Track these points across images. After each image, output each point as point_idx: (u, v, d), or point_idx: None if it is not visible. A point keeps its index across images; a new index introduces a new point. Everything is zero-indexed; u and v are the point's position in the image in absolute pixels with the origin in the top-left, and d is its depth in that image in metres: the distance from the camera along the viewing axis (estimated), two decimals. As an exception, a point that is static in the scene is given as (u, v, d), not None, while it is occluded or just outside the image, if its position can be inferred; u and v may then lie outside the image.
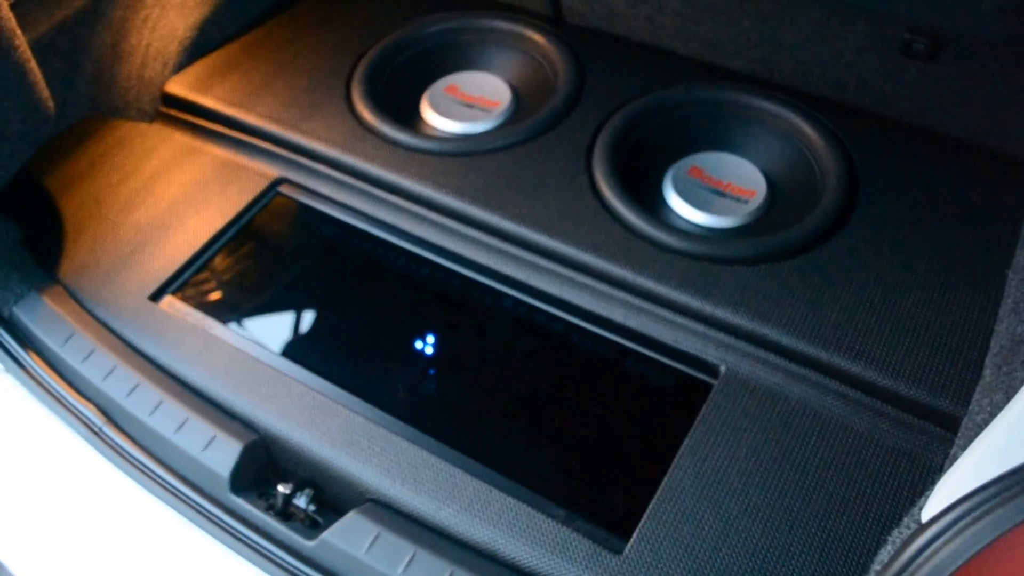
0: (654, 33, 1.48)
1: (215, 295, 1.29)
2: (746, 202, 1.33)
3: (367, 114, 1.42)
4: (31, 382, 1.21)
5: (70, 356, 1.22)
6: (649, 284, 1.21)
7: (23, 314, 1.27)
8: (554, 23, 1.56)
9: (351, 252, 1.34)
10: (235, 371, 1.19)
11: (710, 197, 1.34)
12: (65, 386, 1.21)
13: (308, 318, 1.27)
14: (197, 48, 1.54)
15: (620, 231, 1.27)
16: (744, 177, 1.36)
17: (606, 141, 1.36)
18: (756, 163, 1.38)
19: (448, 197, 1.32)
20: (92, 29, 1.52)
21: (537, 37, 1.53)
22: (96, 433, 1.17)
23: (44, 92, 1.32)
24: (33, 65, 1.31)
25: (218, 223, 1.35)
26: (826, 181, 1.31)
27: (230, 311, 1.27)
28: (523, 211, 1.29)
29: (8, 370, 1.23)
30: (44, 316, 1.26)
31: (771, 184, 1.36)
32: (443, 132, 1.46)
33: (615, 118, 1.39)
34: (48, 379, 1.21)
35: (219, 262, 1.33)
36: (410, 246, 1.32)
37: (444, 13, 1.59)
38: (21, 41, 1.29)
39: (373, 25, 1.60)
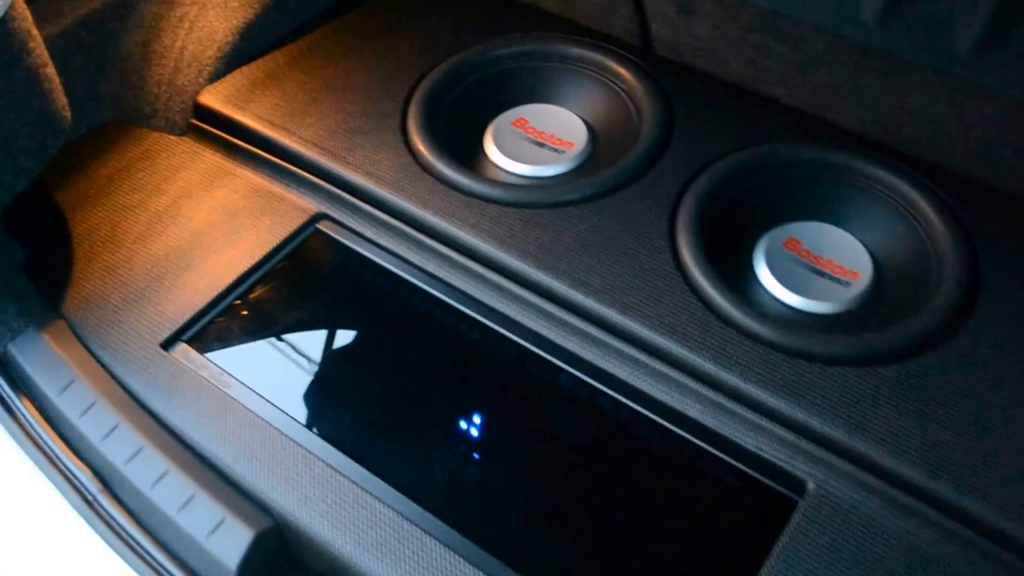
0: (756, 77, 1.34)
1: (236, 347, 1.18)
2: (848, 284, 1.20)
3: (423, 148, 1.30)
4: (21, 434, 1.11)
5: (68, 408, 1.12)
6: (732, 379, 1.09)
7: (19, 353, 1.16)
8: (642, 55, 1.43)
9: (395, 306, 1.22)
10: (252, 441, 1.08)
11: (807, 276, 1.21)
12: (59, 442, 1.11)
13: (340, 383, 1.16)
14: (237, 55, 1.43)
15: (703, 311, 1.14)
16: (847, 254, 1.23)
17: (693, 202, 1.23)
18: (862, 239, 1.25)
19: (508, 255, 1.20)
20: (122, 25, 1.42)
21: (621, 70, 1.40)
22: (89, 503, 1.07)
23: (60, 101, 1.21)
24: (49, 71, 1.20)
25: (245, 262, 1.24)
26: (943, 269, 1.17)
27: (252, 368, 1.16)
28: (592, 279, 1.17)
29: (4, 423, 1.12)
30: (42, 357, 1.16)
31: (877, 265, 1.23)
32: (507, 173, 1.34)
33: (705, 175, 1.26)
34: (41, 433, 1.11)
35: (243, 308, 1.22)
36: (461, 306, 1.20)
37: (517, 35, 1.47)
38: (37, 43, 1.18)
39: (437, 43, 1.48)
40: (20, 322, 1.18)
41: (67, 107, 1.25)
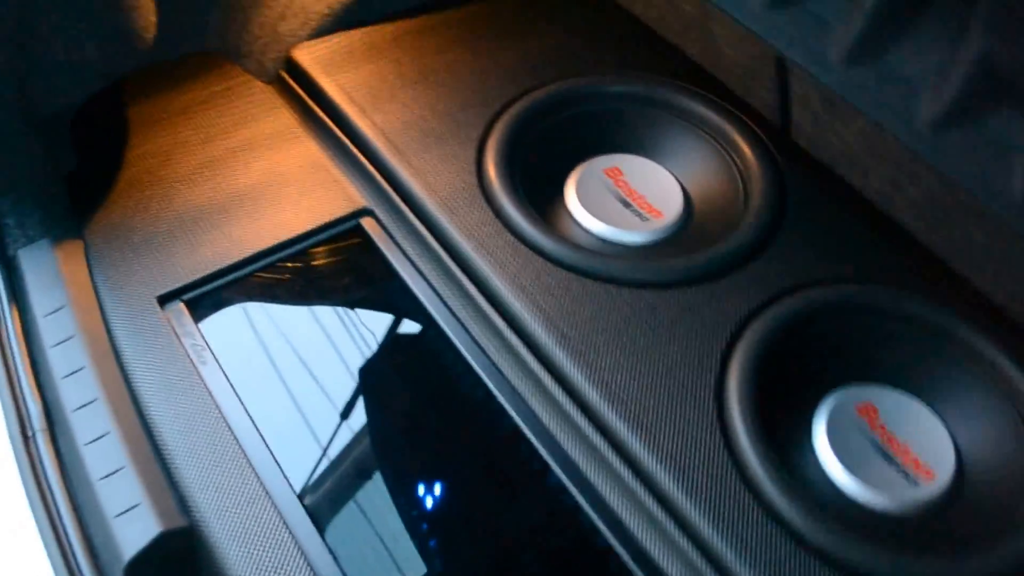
0: (894, 204, 1.21)
1: (229, 324, 1.16)
2: (919, 485, 1.04)
3: (492, 173, 1.24)
4: (-3, 349, 1.12)
5: (46, 332, 1.12)
6: None
7: (26, 262, 1.17)
8: (773, 134, 1.32)
9: (406, 335, 1.17)
10: (202, 432, 1.05)
11: (873, 458, 1.06)
12: (27, 365, 1.11)
13: (317, 403, 1.12)
14: (347, 16, 1.40)
15: (741, 489, 0.99)
16: (929, 447, 1.07)
17: (761, 336, 1.10)
18: (948, 426, 1.10)
19: (539, 325, 1.11)
20: (243, -44, 1.41)
21: (743, 144, 1.29)
22: (26, 438, 1.07)
23: (140, 21, 1.21)
24: None
25: (274, 237, 1.22)
26: None
27: (236, 353, 1.13)
28: (622, 389, 1.06)
29: (-20, 322, 1.14)
30: (44, 274, 1.16)
31: (960, 458, 1.08)
32: (578, 226, 1.26)
33: (788, 302, 1.13)
34: (14, 349, 1.12)
35: (253, 285, 1.19)
36: (471, 358, 1.13)
37: (640, 74, 1.38)
38: None
39: (554, 59, 1.40)
40: (39, 230, 1.19)
41: (150, 28, 1.24)
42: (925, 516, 1.03)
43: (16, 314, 1.15)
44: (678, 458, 1.02)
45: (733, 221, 1.24)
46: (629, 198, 1.28)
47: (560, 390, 1.08)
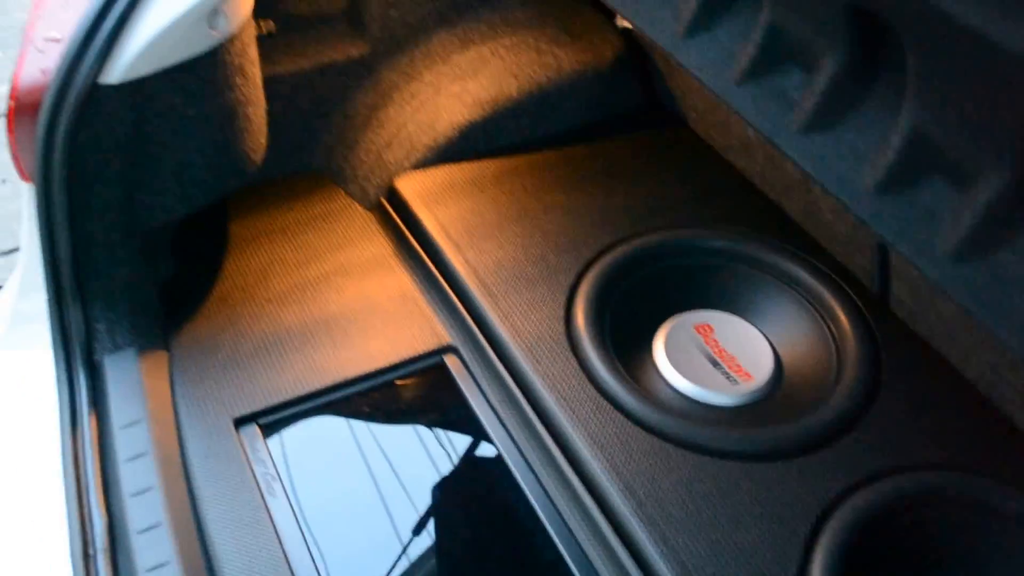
0: (997, 390, 1.14)
1: (305, 453, 1.14)
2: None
3: (580, 322, 1.21)
4: (70, 452, 1.11)
5: (121, 446, 1.11)
6: None
7: (110, 370, 1.18)
8: (872, 303, 1.27)
9: (483, 480, 1.14)
10: (265, 572, 1.03)
11: None
12: (98, 479, 1.10)
13: (394, 548, 1.08)
14: (451, 150, 1.41)
15: None
16: None
17: (848, 525, 1.03)
18: None
19: (617, 491, 1.06)
20: (358, 83, 1.43)
21: (840, 313, 1.24)
22: (87, 556, 1.05)
23: (250, 143, 1.23)
24: (252, 111, 1.22)
25: (358, 367, 1.20)
26: None
27: (309, 484, 1.11)
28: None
29: (61, 427, 1.14)
30: (127, 385, 1.17)
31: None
32: (666, 383, 1.22)
33: (878, 487, 1.06)
34: (88, 461, 1.11)
35: (333, 414, 1.18)
36: (543, 515, 1.08)
37: (733, 229, 1.35)
38: (248, 81, 1.20)
39: (645, 210, 1.38)
40: (127, 338, 1.20)
41: (258, 150, 1.26)
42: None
43: (94, 422, 1.15)
44: None
45: (825, 390, 1.19)
46: (719, 357, 1.24)
47: (633, 563, 1.03)
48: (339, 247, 1.35)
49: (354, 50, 1.42)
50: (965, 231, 0.90)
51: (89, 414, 1.16)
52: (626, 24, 1.55)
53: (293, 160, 1.42)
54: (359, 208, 1.40)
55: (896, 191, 0.93)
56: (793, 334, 1.28)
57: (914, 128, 0.90)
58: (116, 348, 1.20)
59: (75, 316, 1.18)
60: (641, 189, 1.41)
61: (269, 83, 1.35)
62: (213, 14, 1.11)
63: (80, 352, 1.18)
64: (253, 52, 1.22)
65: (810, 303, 1.28)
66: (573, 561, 1.05)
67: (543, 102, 1.44)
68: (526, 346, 1.19)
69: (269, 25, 1.34)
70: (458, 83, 1.42)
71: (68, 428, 1.14)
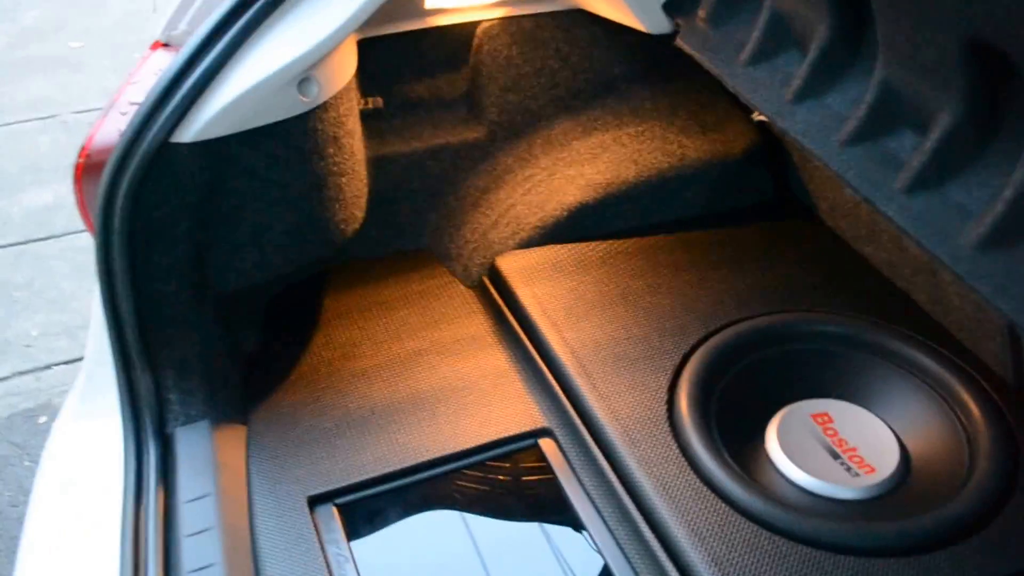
0: None
1: (381, 535, 1.04)
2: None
3: (684, 408, 1.09)
4: (130, 532, 1.05)
5: (185, 520, 1.04)
6: None
7: (182, 443, 1.11)
8: (1002, 390, 1.11)
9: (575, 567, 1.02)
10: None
11: None
12: (161, 555, 1.03)
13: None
14: (558, 231, 1.33)
15: None
16: None
17: None
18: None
19: None
20: (472, 165, 1.38)
21: (970, 402, 1.09)
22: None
23: (342, 213, 1.18)
24: (344, 181, 1.17)
25: (446, 445, 1.11)
26: None
27: (386, 569, 1.02)
28: None
29: (124, 500, 1.08)
30: (198, 458, 1.10)
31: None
32: (782, 476, 1.08)
33: None
34: (150, 538, 1.04)
35: (415, 496, 1.08)
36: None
37: (851, 314, 1.21)
38: (341, 149, 1.16)
39: (768, 294, 1.26)
40: (201, 410, 1.13)
41: (350, 222, 1.21)
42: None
43: (162, 497, 1.09)
44: None
45: (955, 485, 1.04)
46: (839, 448, 1.10)
47: None
48: (435, 324, 1.27)
49: (470, 134, 1.38)
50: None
51: (157, 488, 1.09)
52: (762, 117, 1.47)
53: (401, 239, 1.38)
54: (460, 286, 1.33)
55: (1003, 247, 0.81)
56: (920, 426, 1.13)
57: None
58: (189, 420, 1.13)
59: (145, 385, 1.13)
60: (759, 274, 1.30)
61: (379, 162, 1.32)
62: (304, 81, 1.08)
63: (151, 423, 1.13)
64: (352, 124, 1.19)
65: (938, 392, 1.13)
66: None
67: (662, 187, 1.36)
68: (624, 429, 1.08)
69: (377, 102, 1.31)
70: (574, 167, 1.35)
71: (132, 501, 1.08)
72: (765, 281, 1.28)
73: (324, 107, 1.11)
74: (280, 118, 1.07)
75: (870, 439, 1.11)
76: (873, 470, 1.08)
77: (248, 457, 1.11)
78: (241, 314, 1.20)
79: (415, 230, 1.40)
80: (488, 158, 1.39)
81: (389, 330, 1.27)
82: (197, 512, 1.05)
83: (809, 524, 0.98)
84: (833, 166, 0.93)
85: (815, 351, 1.19)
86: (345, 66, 1.15)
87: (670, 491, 1.01)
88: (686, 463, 1.04)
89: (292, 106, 1.07)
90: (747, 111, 1.50)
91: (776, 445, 1.10)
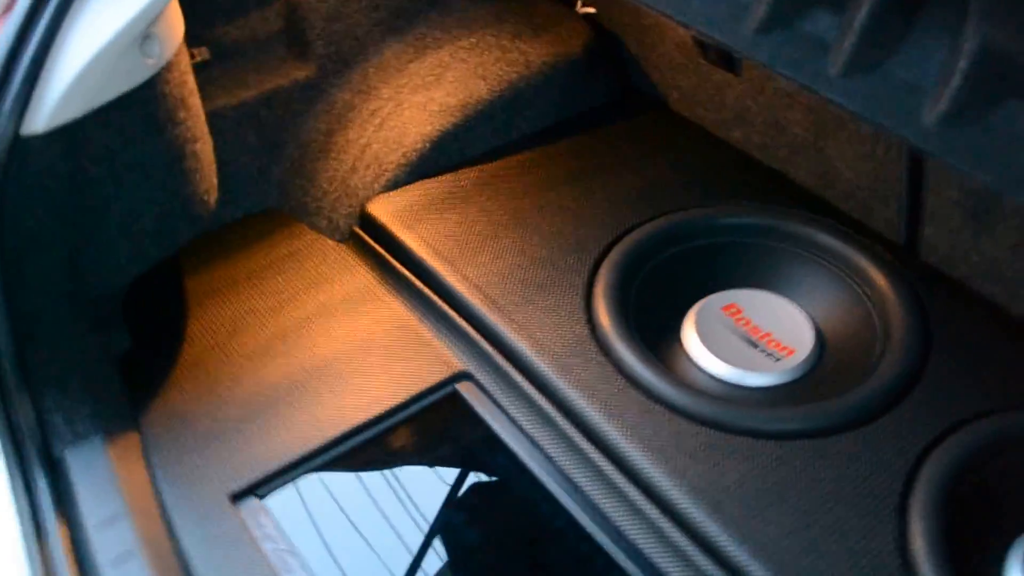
0: None
1: (317, 519, 0.96)
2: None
3: (607, 322, 1.05)
4: (39, 573, 0.92)
5: (101, 549, 0.91)
6: None
7: (74, 465, 0.98)
8: (900, 256, 1.14)
9: (521, 511, 0.97)
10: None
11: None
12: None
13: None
14: (425, 165, 1.25)
15: None
16: None
17: (937, 478, 0.91)
18: None
19: (702, 512, 0.90)
20: (308, 108, 1.27)
21: (874, 273, 1.11)
22: None
23: (202, 184, 1.06)
24: (200, 147, 1.05)
25: (361, 414, 1.03)
26: None
27: (328, 554, 0.93)
28: (787, 558, 0.86)
29: (24, 539, 0.95)
30: (97, 478, 0.97)
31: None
32: (704, 372, 1.07)
33: (956, 439, 0.94)
34: (60, 572, 0.92)
35: (341, 469, 1.00)
36: (605, 537, 0.92)
37: (749, 204, 1.20)
38: (191, 115, 1.03)
39: (644, 198, 1.23)
40: (89, 425, 1.00)
41: (211, 192, 1.09)
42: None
43: (64, 528, 0.96)
44: None
45: (874, 354, 1.05)
46: (755, 336, 1.09)
47: (719, 569, 0.87)
48: (315, 287, 1.17)
49: (299, 73, 1.26)
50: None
51: (57, 518, 0.96)
52: (588, 10, 1.42)
53: (247, 201, 1.26)
54: (329, 242, 1.23)
55: (968, 119, 0.80)
56: (827, 301, 1.14)
57: (983, 47, 0.77)
58: (78, 439, 1.00)
59: (24, 409, 0.99)
60: (634, 178, 1.26)
61: (210, 119, 1.19)
62: (145, 39, 0.94)
63: (36, 449, 0.99)
64: (192, 82, 1.06)
65: (838, 267, 1.15)
66: (632, 560, 0.89)
67: (516, 101, 1.29)
68: (551, 357, 1.03)
69: (203, 53, 1.18)
70: (421, 93, 1.26)
71: (33, 538, 0.95)
72: (645, 181, 1.25)
73: (168, 67, 0.98)
74: (130, 86, 0.93)
75: (783, 322, 1.11)
76: (793, 351, 1.08)
77: (151, 467, 1.00)
78: (105, 313, 1.06)
79: (261, 189, 1.28)
80: (324, 97, 1.28)
81: (268, 302, 1.16)
82: (111, 537, 0.93)
83: (752, 416, 0.97)
84: (753, 56, 0.89)
85: (715, 245, 1.17)
86: (177, 16, 1.02)
87: (616, 411, 0.97)
88: (624, 380, 1.00)
89: (139, 70, 0.94)
90: (571, 4, 1.45)
91: (697, 344, 1.08)
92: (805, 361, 1.07)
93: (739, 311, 1.12)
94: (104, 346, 1.07)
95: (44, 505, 0.96)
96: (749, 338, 1.09)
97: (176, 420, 1.04)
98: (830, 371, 1.07)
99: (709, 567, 0.88)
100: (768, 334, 1.09)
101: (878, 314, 1.09)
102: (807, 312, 1.12)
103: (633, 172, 1.27)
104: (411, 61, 1.29)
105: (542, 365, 1.03)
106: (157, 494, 0.97)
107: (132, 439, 1.01)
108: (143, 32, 0.93)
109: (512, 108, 1.29)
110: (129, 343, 1.11)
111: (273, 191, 1.27)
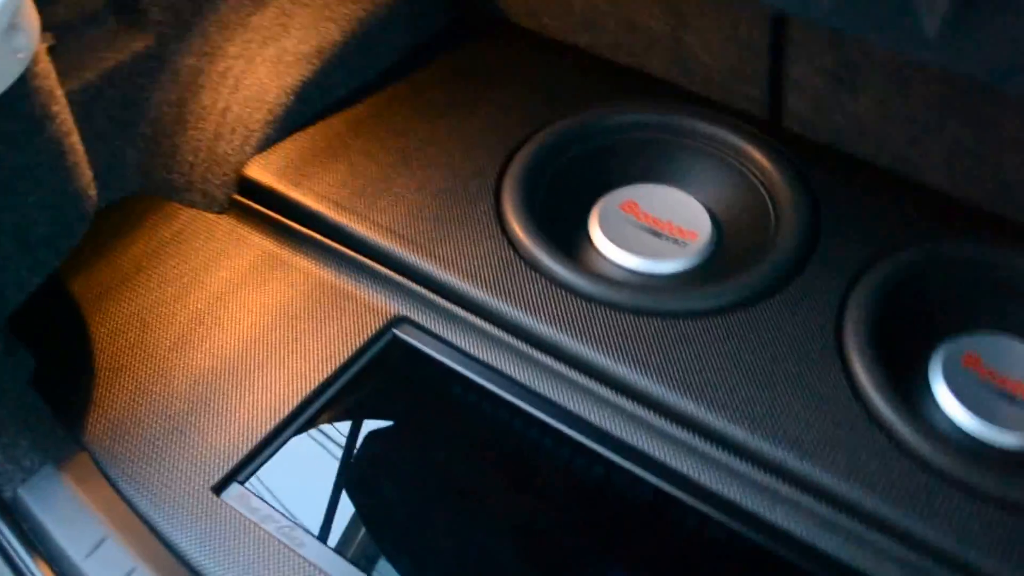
0: (916, 163, 1.15)
1: (306, 488, 0.95)
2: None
3: (526, 239, 1.09)
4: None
5: (96, 574, 0.88)
6: (945, 541, 0.89)
7: (34, 501, 0.92)
8: (767, 129, 1.24)
9: (495, 432, 1.00)
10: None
11: (995, 402, 1.01)
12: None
13: (432, 528, 0.93)
14: (292, 119, 1.21)
15: (894, 453, 0.93)
16: None
17: (862, 310, 1.03)
18: None
19: (647, 378, 0.98)
20: (152, 80, 1.20)
21: (752, 151, 1.20)
22: None
23: (85, 177, 0.99)
24: (75, 140, 0.98)
25: (310, 381, 1.02)
26: None
27: (328, 512, 0.94)
28: (757, 411, 0.96)
29: (6, 589, 0.89)
30: (65, 507, 0.92)
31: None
32: (620, 268, 1.13)
33: (869, 278, 1.06)
34: (64, 612, 0.88)
35: (310, 438, 1.00)
36: (580, 435, 0.98)
37: (624, 103, 1.26)
38: (62, 107, 0.96)
39: (526, 111, 1.26)
40: (34, 458, 0.94)
41: (93, 184, 1.03)
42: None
43: (44, 565, 0.90)
44: (853, 461, 0.93)
45: (770, 226, 1.15)
46: (657, 227, 1.17)
47: (691, 434, 0.96)
48: (213, 264, 1.13)
49: (137, 45, 1.17)
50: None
51: (34, 560, 0.91)
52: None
53: (106, 190, 1.17)
54: (211, 216, 1.18)
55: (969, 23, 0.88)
56: (717, 185, 1.22)
57: None
58: (28, 474, 0.94)
59: None
60: (502, 96, 1.28)
61: None
62: (11, 31, 0.86)
63: None
64: (53, 72, 0.97)
65: (721, 152, 1.22)
66: (631, 462, 0.97)
67: (367, 37, 1.27)
68: (482, 281, 1.06)
69: (47, 38, 1.08)
70: (271, 45, 1.22)
71: (17, 586, 0.89)
72: (514, 98, 1.28)
73: (35, 59, 0.90)
74: (5, 87, 0.85)
75: (678, 209, 1.18)
76: (695, 234, 1.16)
77: (114, 483, 0.95)
78: (6, 336, 0.99)
79: (120, 175, 1.21)
80: (168, 66, 1.21)
81: (169, 290, 1.11)
82: (105, 561, 0.89)
83: (691, 296, 1.05)
84: None
85: (603, 147, 1.22)
86: (31, 2, 0.93)
87: (557, 317, 1.03)
88: (560, 289, 1.05)
89: (10, 66, 0.86)
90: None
91: (603, 238, 1.15)
92: (708, 243, 1.15)
93: (636, 206, 1.19)
94: (13, 371, 0.99)
95: (15, 550, 0.90)
96: (653, 230, 1.16)
97: (121, 431, 0.99)
98: (733, 251, 1.16)
99: (692, 440, 0.96)
100: (668, 222, 1.17)
101: (766, 190, 1.18)
102: (699, 199, 1.20)
103: (499, 91, 1.29)
104: (252, 14, 1.24)
105: (476, 293, 1.06)
106: (134, 508, 0.93)
107: (84, 460, 0.96)
108: (9, 23, 0.85)
109: (365, 46, 1.27)
110: (33, 364, 1.03)
111: (133, 175, 1.20)
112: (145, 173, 1.20)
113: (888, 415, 0.95)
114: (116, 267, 1.13)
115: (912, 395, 1.02)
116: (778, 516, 0.92)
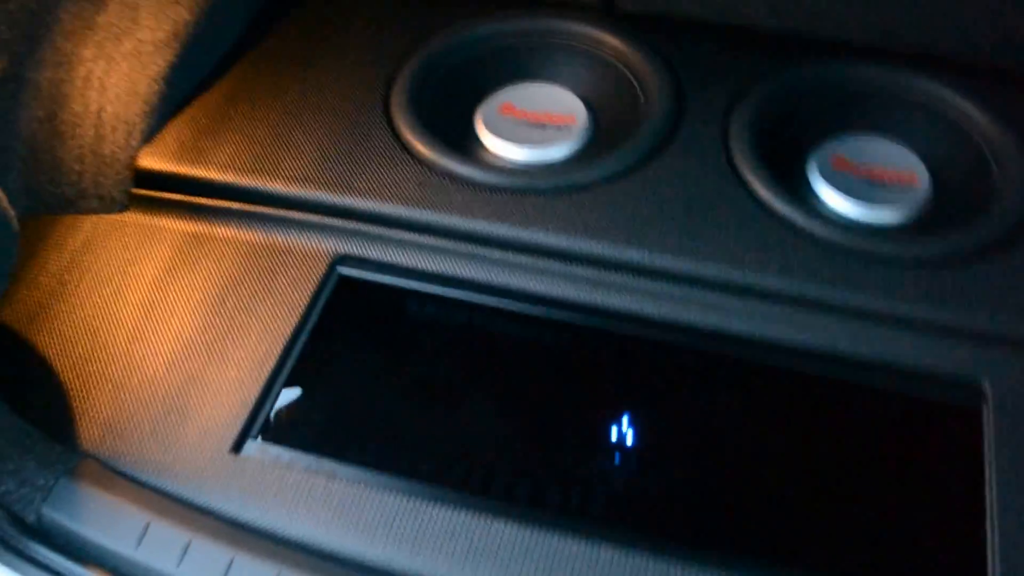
0: (739, 12, 1.30)
1: (314, 426, 1.00)
2: (908, 191, 1.18)
3: (434, 155, 1.17)
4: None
5: (156, 558, 0.90)
6: (874, 302, 1.05)
7: (61, 515, 0.93)
8: (604, 13, 1.35)
9: (460, 331, 1.08)
10: (372, 517, 0.92)
11: (866, 188, 1.19)
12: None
13: (434, 423, 1.01)
14: (169, 104, 1.23)
15: (797, 241, 1.09)
16: (898, 163, 1.22)
17: (743, 141, 1.18)
18: (911, 147, 1.23)
19: (580, 240, 1.09)
20: (14, 101, 1.17)
21: (602, 34, 1.31)
22: None
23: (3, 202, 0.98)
24: None
25: (280, 336, 1.06)
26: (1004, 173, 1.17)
27: (342, 441, 0.99)
28: (695, 244, 1.09)
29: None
30: (96, 509, 0.93)
31: (932, 172, 1.21)
32: (515, 163, 1.22)
33: (742, 109, 1.21)
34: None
35: (301, 385, 1.04)
36: (550, 311, 1.08)
37: (464, 21, 1.34)
38: None
39: (391, 38, 1.34)
40: (46, 476, 0.94)
41: (5, 197, 1.02)
42: (927, 217, 1.19)
43: (97, 571, 0.91)
44: (776, 259, 1.08)
45: (640, 103, 1.27)
46: (537, 120, 1.27)
47: (647, 280, 1.08)
48: (137, 260, 1.13)
49: None
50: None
51: (86, 569, 0.91)
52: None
53: None
54: (114, 217, 1.18)
55: None
56: (586, 75, 1.34)
57: None
58: (46, 492, 0.94)
59: None
60: (360, 32, 1.36)
61: None
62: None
63: (11, 529, 0.91)
64: None
65: (572, 40, 1.34)
66: (578, 315, 1.08)
67: (218, 11, 1.28)
68: (412, 203, 1.13)
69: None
70: (126, 40, 1.21)
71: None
72: (374, 31, 1.35)
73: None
74: None
75: (549, 99, 1.29)
76: (573, 117, 1.27)
77: (131, 474, 0.96)
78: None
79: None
80: (19, 79, 1.19)
81: (101, 294, 1.11)
82: (158, 544, 0.91)
83: (608, 165, 1.17)
84: None
85: (474, 57, 1.32)
86: None
87: (493, 215, 1.12)
88: (483, 192, 1.15)
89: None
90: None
91: (495, 140, 1.24)
92: (587, 127, 1.26)
93: (512, 107, 1.28)
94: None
95: (64, 567, 0.90)
96: (533, 123, 1.26)
97: (117, 429, 1.00)
98: (609, 126, 1.27)
99: (638, 282, 1.07)
100: (547, 113, 1.27)
101: (625, 67, 1.30)
102: (571, 90, 1.31)
103: (357, 28, 1.36)
104: (96, 14, 1.22)
105: (402, 211, 1.13)
106: (161, 491, 0.95)
107: (93, 466, 0.96)
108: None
109: (218, 18, 1.29)
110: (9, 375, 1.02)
111: (19, 198, 1.18)
112: (32, 193, 1.18)
113: (788, 212, 1.11)
114: (38, 286, 1.12)
115: (802, 196, 1.19)
116: (719, 320, 1.06)
